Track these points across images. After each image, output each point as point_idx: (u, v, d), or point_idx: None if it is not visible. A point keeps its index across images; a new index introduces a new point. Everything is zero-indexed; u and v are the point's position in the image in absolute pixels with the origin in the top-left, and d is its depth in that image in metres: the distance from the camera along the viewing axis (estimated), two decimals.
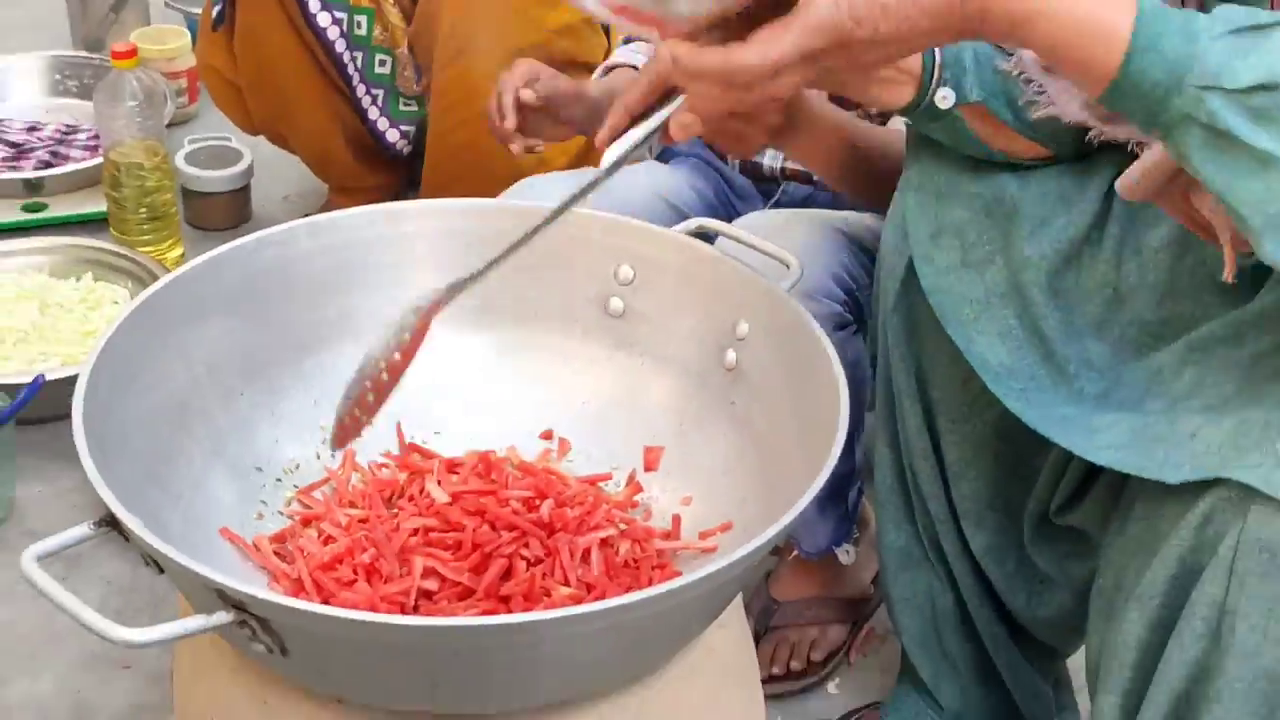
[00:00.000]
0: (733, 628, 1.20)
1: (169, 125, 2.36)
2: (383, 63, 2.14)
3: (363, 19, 2.10)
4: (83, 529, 1.04)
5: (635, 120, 1.08)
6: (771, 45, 0.94)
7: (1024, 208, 1.19)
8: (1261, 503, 0.93)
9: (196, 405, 1.25)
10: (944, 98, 1.16)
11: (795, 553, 1.64)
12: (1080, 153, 1.18)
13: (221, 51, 2.15)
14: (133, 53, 2.13)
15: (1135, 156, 1.12)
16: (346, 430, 1.15)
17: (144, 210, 2.20)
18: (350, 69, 2.12)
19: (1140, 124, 0.92)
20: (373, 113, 2.17)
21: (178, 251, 2.25)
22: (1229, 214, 0.91)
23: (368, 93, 2.15)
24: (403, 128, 2.21)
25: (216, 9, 2.13)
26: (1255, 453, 0.93)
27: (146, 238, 2.22)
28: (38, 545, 1.01)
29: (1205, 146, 0.88)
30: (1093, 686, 1.13)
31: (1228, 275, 1.00)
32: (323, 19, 2.07)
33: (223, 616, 0.97)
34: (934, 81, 1.15)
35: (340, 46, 2.10)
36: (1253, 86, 0.86)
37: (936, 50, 1.15)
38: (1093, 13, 0.90)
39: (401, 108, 2.19)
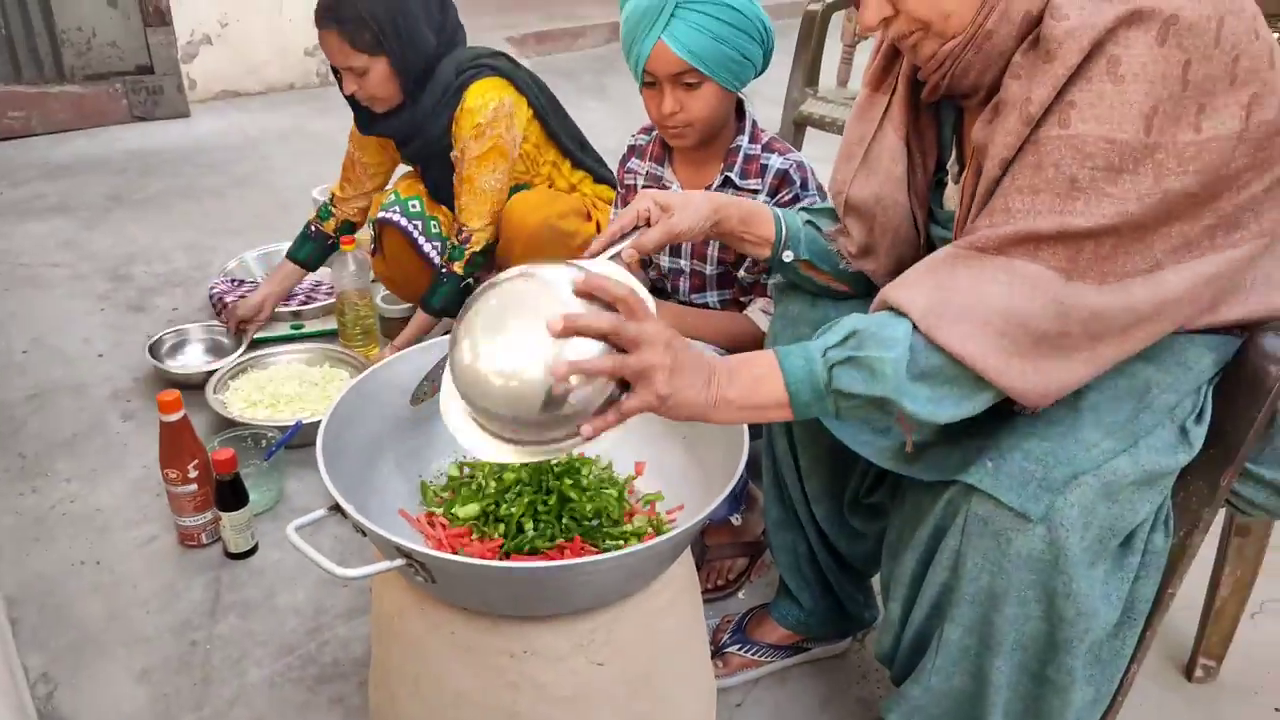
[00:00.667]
0: (685, 563, 1.18)
1: (373, 280, 2.36)
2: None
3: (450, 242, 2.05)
4: (321, 511, 1.04)
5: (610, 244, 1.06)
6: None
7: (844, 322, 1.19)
8: (979, 494, 0.94)
9: (386, 439, 1.25)
10: (787, 255, 1.17)
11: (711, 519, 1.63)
12: (868, 288, 1.18)
13: (382, 265, 2.14)
14: (352, 241, 2.13)
15: None
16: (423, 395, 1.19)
17: (358, 329, 2.19)
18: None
19: (817, 404, 0.91)
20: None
21: (376, 351, 2.24)
22: (872, 408, 0.91)
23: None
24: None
25: (373, 245, 2.13)
26: (975, 467, 0.93)
27: (359, 344, 2.21)
28: (297, 521, 1.01)
29: (844, 376, 0.89)
30: (885, 598, 1.12)
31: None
32: (426, 247, 2.05)
33: (399, 561, 0.97)
34: (781, 247, 1.16)
35: (438, 260, 2.05)
36: (843, 339, 0.90)
37: (784, 227, 1.16)
38: (758, 393, 0.91)
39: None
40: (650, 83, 1.44)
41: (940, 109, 1.09)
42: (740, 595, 1.62)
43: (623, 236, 1.07)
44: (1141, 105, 0.81)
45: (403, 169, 2.23)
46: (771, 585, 1.59)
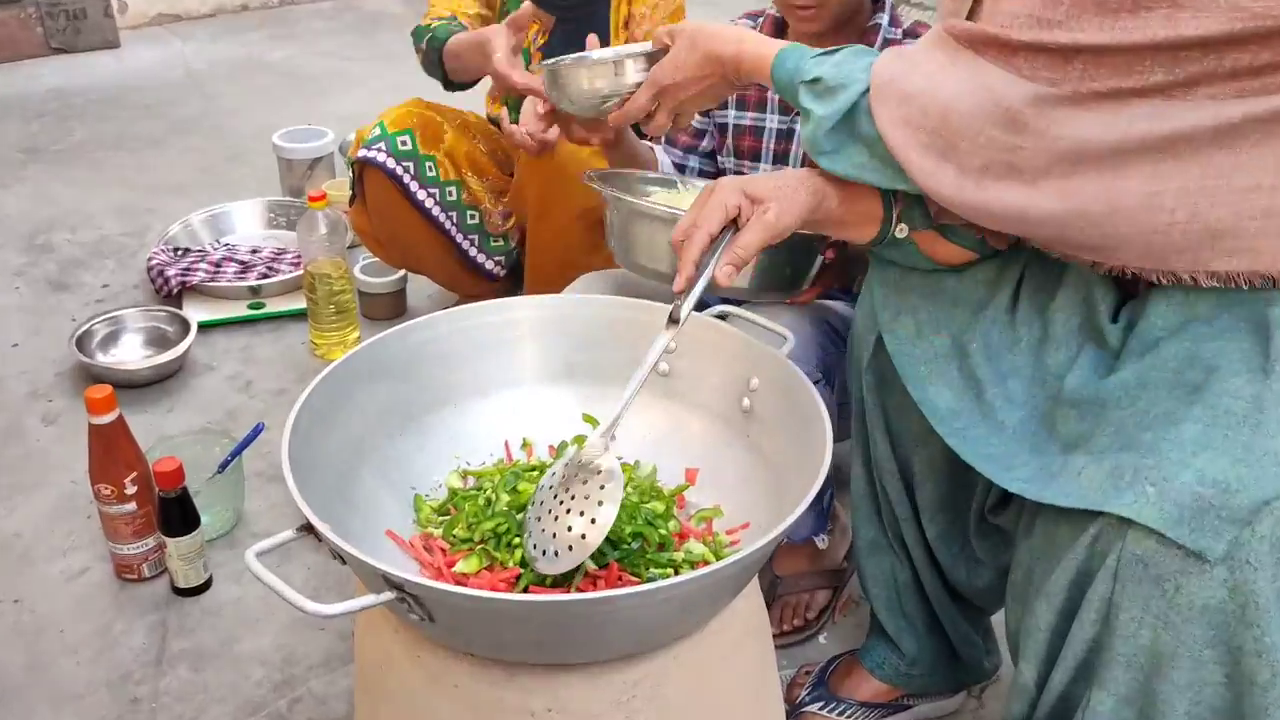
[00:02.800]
0: (751, 597, 1.17)
1: (350, 247, 2.37)
2: (472, 216, 2.13)
3: (452, 188, 2.09)
4: (289, 533, 1.03)
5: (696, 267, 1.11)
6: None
7: (963, 294, 1.18)
8: (1136, 528, 0.92)
9: (369, 443, 1.24)
10: (901, 230, 1.15)
11: (787, 540, 1.63)
12: (995, 253, 1.16)
13: (362, 218, 2.15)
14: (322, 197, 2.14)
15: (1037, 251, 1.12)
16: None
17: (332, 307, 2.20)
18: (448, 225, 2.11)
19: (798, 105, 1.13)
20: (471, 251, 2.16)
21: (355, 335, 2.26)
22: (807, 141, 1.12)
23: (465, 238, 2.14)
24: (495, 258, 2.19)
25: (351, 192, 2.13)
26: (1129, 493, 0.92)
27: (333, 326, 2.23)
28: (257, 545, 1.00)
29: (804, 104, 1.11)
30: (1014, 656, 1.11)
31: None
32: (420, 195, 2.07)
33: (388, 595, 0.96)
34: (894, 221, 1.15)
35: (436, 212, 2.09)
36: (813, 79, 1.10)
37: (894, 201, 1.15)
38: (759, 50, 1.18)
39: (493, 244, 2.18)
40: None
41: None
42: (822, 639, 1.61)
43: (710, 243, 1.11)
44: None
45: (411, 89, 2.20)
46: (862, 626, 1.57)
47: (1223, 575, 0.89)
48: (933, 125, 1.00)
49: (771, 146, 1.65)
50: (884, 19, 1.56)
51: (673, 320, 1.11)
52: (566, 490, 1.10)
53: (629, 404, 1.12)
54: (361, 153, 2.04)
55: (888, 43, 1.56)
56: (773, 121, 1.65)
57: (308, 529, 1.02)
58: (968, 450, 1.10)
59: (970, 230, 1.13)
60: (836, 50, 1.12)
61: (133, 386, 2.12)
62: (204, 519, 1.67)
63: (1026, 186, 0.97)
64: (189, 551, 1.63)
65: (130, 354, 2.25)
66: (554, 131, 1.65)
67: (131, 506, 1.63)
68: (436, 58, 1.92)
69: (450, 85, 1.98)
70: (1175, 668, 0.93)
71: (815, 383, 1.40)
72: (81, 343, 2.20)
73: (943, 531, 1.31)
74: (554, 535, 1.08)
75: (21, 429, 2.05)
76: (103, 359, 2.20)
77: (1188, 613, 0.91)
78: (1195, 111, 0.91)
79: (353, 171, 2.09)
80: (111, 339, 2.27)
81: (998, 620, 1.43)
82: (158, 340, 2.27)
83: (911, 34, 1.58)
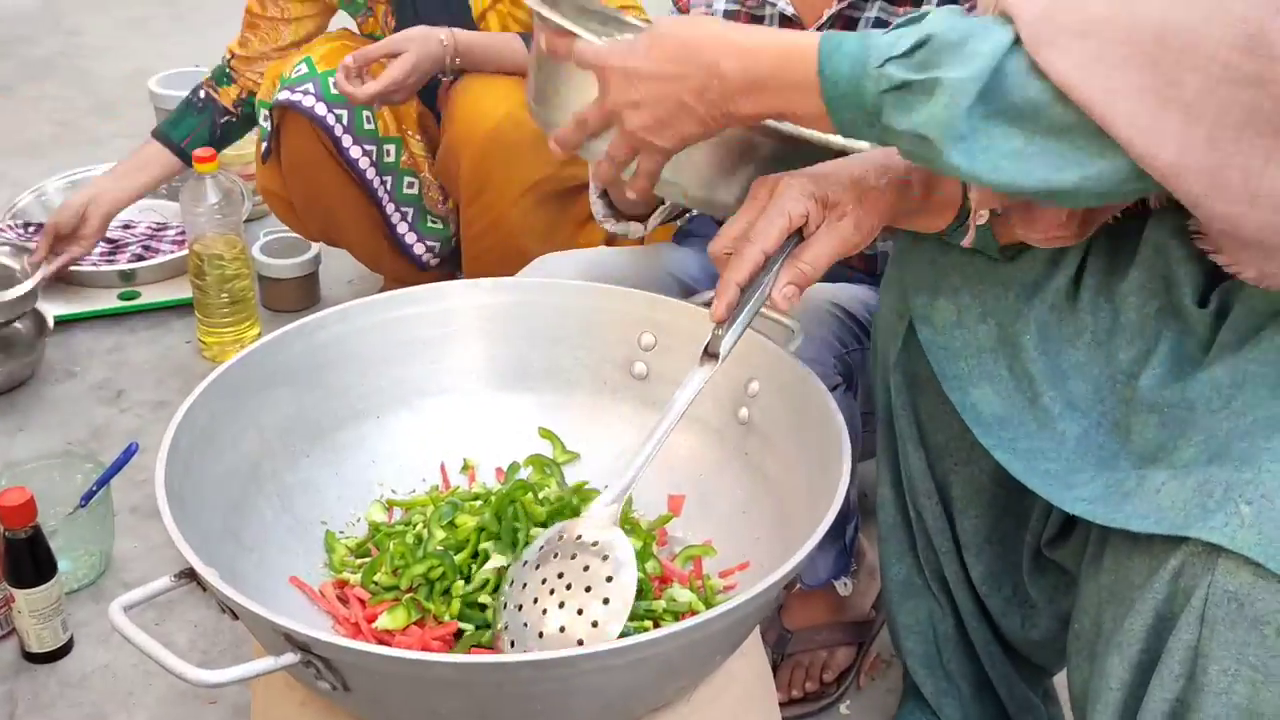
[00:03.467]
0: (751, 657, 1.18)
1: (246, 221, 2.37)
2: (410, 185, 2.16)
3: (391, 147, 2.12)
4: (164, 581, 1.04)
5: (743, 290, 1.08)
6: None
7: (1014, 273, 1.18)
8: (1228, 558, 0.92)
9: (267, 466, 1.25)
10: (981, 216, 1.15)
11: (799, 585, 1.63)
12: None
13: (275, 177, 2.16)
14: (212, 158, 2.14)
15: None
16: None
17: (225, 295, 2.20)
18: (380, 192, 2.13)
19: (865, 131, 0.98)
20: (401, 228, 2.18)
21: (255, 331, 2.25)
22: (919, 147, 0.95)
23: (397, 210, 2.16)
24: (429, 243, 2.21)
25: (265, 144, 2.13)
26: (1220, 514, 0.93)
27: (227, 320, 2.22)
28: (124, 597, 1.01)
29: (897, 106, 0.94)
30: (1079, 718, 1.11)
31: (966, 242, 1.10)
32: (354, 151, 2.08)
33: (290, 658, 0.96)
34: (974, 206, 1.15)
35: (370, 174, 2.11)
36: (913, 47, 0.93)
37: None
38: (783, 44, 1.00)
39: (429, 224, 2.20)
40: None
41: None
42: (844, 709, 1.61)
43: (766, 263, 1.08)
44: None
45: (339, 23, 2.25)
46: (895, 691, 1.58)
47: None
48: (1145, 52, 0.87)
49: None
50: None
51: (710, 355, 1.10)
52: (558, 574, 1.09)
53: (646, 465, 1.11)
54: (282, 94, 2.03)
55: None
56: None
57: (189, 575, 1.02)
58: (1020, 466, 1.11)
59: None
60: (916, 14, 0.98)
61: None
62: (62, 565, 1.66)
63: (1272, 140, 0.87)
64: (43, 607, 1.62)
65: None
66: (367, 89, 1.84)
67: None
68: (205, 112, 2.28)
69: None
70: None
71: (833, 388, 1.40)
72: None
73: (990, 570, 1.32)
74: (539, 634, 1.06)
75: None
76: None
77: None
78: None
79: (271, 120, 2.09)
80: None
81: (1060, 681, 1.44)
82: (2, 341, 2.26)
83: None
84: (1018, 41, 0.90)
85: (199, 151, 2.14)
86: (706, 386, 1.27)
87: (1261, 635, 0.92)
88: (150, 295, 2.40)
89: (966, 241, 1.13)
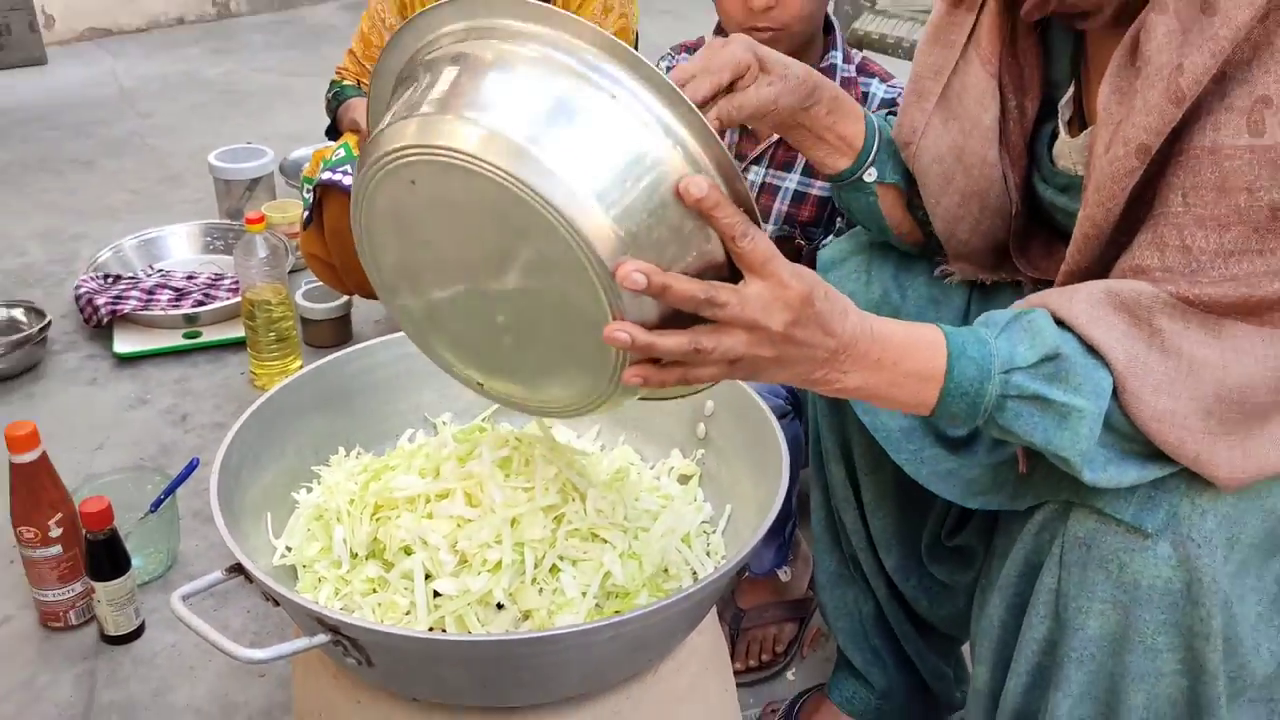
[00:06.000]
0: (709, 632, 1.18)
1: (290, 271, 2.37)
2: None
3: None
4: (216, 575, 1.03)
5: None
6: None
7: (905, 308, 1.19)
8: (1078, 509, 0.94)
9: (304, 477, 1.25)
10: (870, 174, 1.15)
11: (749, 573, 1.64)
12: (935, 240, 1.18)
13: (317, 242, 2.14)
14: (261, 219, 2.14)
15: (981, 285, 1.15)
16: None
17: (272, 334, 2.20)
18: None
19: (964, 420, 0.90)
20: None
21: (297, 364, 2.24)
22: (1052, 460, 0.91)
23: None
24: None
25: (305, 214, 2.13)
26: (1067, 481, 0.93)
27: (274, 355, 2.22)
28: (183, 588, 1.00)
29: (1021, 414, 0.88)
30: (971, 658, 1.13)
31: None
32: None
33: (322, 638, 0.96)
34: (867, 159, 1.15)
35: None
36: (1040, 360, 0.87)
37: (877, 135, 1.15)
38: (911, 335, 0.89)
39: None
40: None
41: (1048, 30, 1.08)
42: (790, 675, 1.61)
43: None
44: None
45: None
46: (831, 660, 1.57)
47: (1165, 551, 0.90)
48: (1205, 408, 0.87)
49: (784, 208, 1.66)
50: (838, 56, 1.60)
51: None
52: None
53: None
54: (324, 175, 2.05)
55: (845, 82, 1.59)
56: (791, 182, 1.65)
57: (237, 569, 1.02)
58: (924, 473, 1.11)
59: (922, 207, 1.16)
60: (1009, 315, 0.91)
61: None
62: (135, 562, 1.65)
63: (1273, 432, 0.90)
64: (119, 597, 1.62)
65: None
66: None
67: (56, 550, 1.62)
68: (332, 111, 2.20)
69: (334, 135, 2.23)
70: (1128, 655, 0.95)
71: (783, 416, 1.41)
72: None
73: (900, 562, 1.32)
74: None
75: None
76: None
77: (1134, 593, 0.92)
78: None
79: (313, 194, 2.09)
80: None
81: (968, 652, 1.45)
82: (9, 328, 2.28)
83: (866, 70, 1.61)
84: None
85: (249, 214, 2.14)
86: (671, 407, 1.26)
87: (1106, 573, 0.93)
88: (210, 335, 2.39)
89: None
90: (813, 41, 1.60)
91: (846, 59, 1.63)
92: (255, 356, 2.23)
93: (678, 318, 0.81)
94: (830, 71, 1.59)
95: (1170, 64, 0.85)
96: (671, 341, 0.80)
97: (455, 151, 0.78)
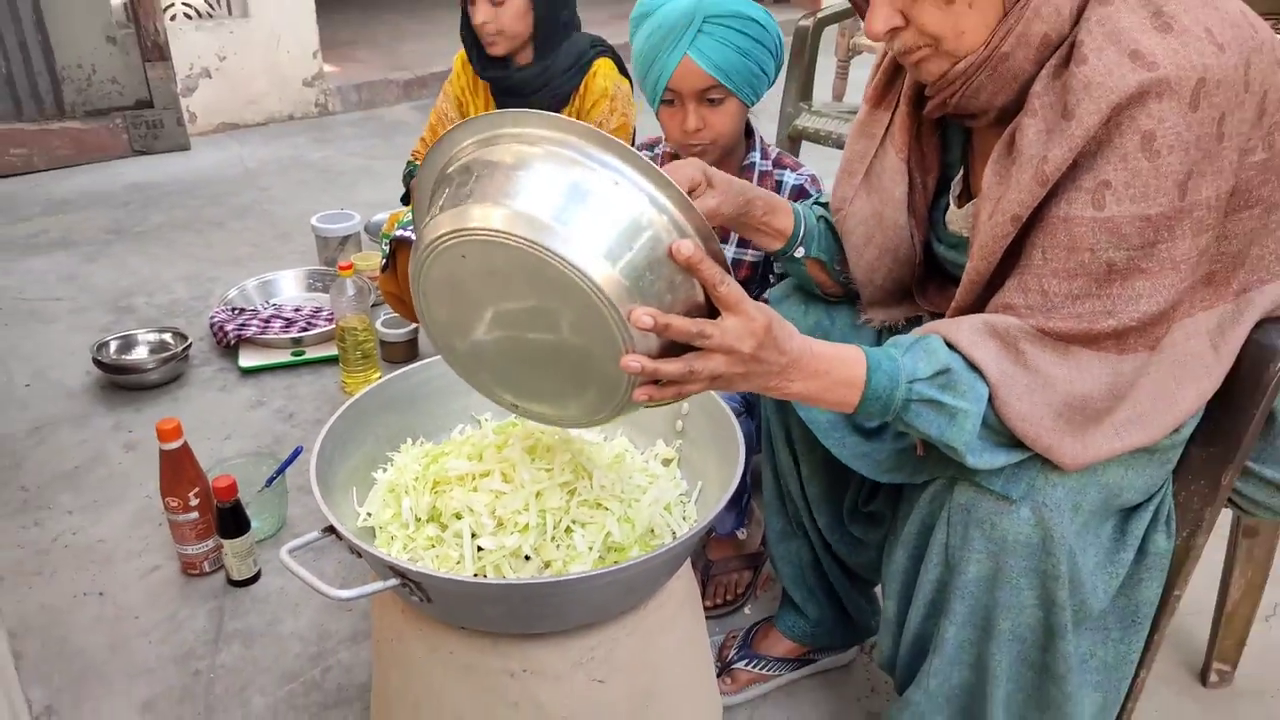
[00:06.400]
0: (684, 578, 1.18)
1: (372, 305, 2.37)
2: None
3: None
4: (314, 534, 1.03)
5: None
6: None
7: (834, 332, 1.20)
8: (960, 482, 0.94)
9: (380, 460, 1.24)
10: (799, 251, 1.16)
11: (715, 533, 1.63)
12: (850, 289, 1.20)
13: (392, 284, 2.13)
14: (350, 266, 2.14)
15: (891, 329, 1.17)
16: None
17: (358, 353, 2.19)
18: None
19: (877, 416, 0.90)
20: None
21: (376, 375, 2.24)
22: (942, 449, 0.91)
23: None
24: None
25: (383, 262, 2.12)
26: (953, 463, 0.94)
27: (359, 369, 2.21)
28: (290, 544, 1.00)
29: (921, 413, 0.89)
30: (883, 597, 1.12)
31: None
32: None
33: (393, 581, 0.96)
34: (796, 242, 1.15)
35: None
36: (935, 373, 0.88)
37: (803, 223, 1.15)
38: (839, 353, 0.89)
39: None
40: (669, 100, 1.44)
41: (946, 126, 1.08)
42: (746, 611, 1.61)
43: None
44: (1177, 174, 0.81)
45: None
46: (776, 599, 1.58)
47: (1026, 514, 0.91)
48: (1056, 410, 0.88)
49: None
50: (756, 156, 1.56)
51: None
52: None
53: None
54: (398, 232, 2.05)
55: (763, 175, 1.55)
56: (729, 251, 1.60)
57: (330, 530, 1.02)
58: (846, 454, 1.11)
59: (841, 271, 1.16)
60: (912, 339, 0.91)
61: (147, 389, 2.10)
62: (254, 524, 1.66)
63: (1106, 427, 0.89)
64: (241, 550, 1.62)
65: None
66: None
67: (194, 515, 1.62)
68: (406, 184, 2.15)
69: (406, 201, 2.21)
70: (999, 591, 0.95)
71: (739, 415, 1.41)
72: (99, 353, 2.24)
73: (830, 522, 1.32)
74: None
75: (106, 455, 2.02)
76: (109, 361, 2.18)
77: (1003, 545, 0.93)
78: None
79: (389, 247, 2.09)
80: (124, 349, 2.29)
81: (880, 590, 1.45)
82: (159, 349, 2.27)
83: (780, 164, 1.57)
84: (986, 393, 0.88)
85: (341, 263, 2.15)
86: (658, 408, 1.24)
87: (982, 530, 0.93)
88: (312, 353, 2.38)
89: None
90: (737, 146, 1.54)
91: (764, 155, 1.56)
92: (345, 369, 2.22)
93: (671, 347, 0.82)
94: (750, 168, 1.54)
95: (1038, 155, 0.86)
96: (672, 367, 0.82)
97: (495, 231, 0.80)
